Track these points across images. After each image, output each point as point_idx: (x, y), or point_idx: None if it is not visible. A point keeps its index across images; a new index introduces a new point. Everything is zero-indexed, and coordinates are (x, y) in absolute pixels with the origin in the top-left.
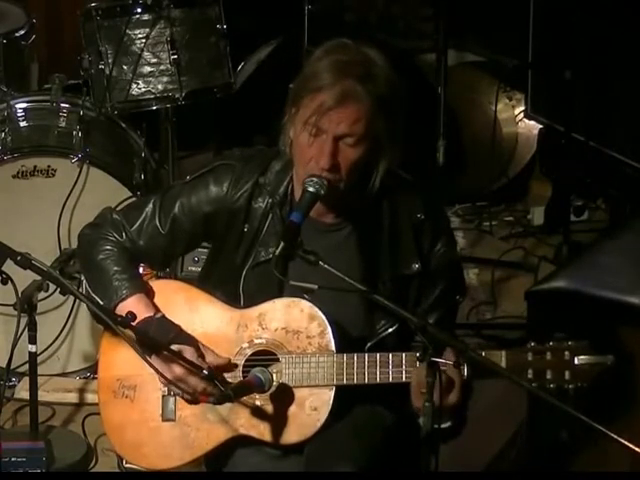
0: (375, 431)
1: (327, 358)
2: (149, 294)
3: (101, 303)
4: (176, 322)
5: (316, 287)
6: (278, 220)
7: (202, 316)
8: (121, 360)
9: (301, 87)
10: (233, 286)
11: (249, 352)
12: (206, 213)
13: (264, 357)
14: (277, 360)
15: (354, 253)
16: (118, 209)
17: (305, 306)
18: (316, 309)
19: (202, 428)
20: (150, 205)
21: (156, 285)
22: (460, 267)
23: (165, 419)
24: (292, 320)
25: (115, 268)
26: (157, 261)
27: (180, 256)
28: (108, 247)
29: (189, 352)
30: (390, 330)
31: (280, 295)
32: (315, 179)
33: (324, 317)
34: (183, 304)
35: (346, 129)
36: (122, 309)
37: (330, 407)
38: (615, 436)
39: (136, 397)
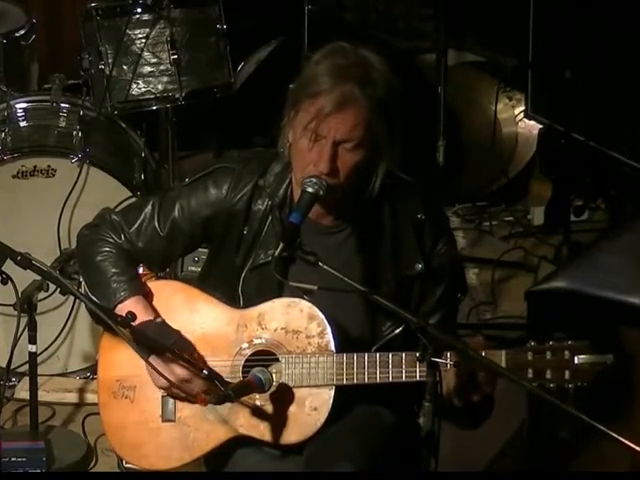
0: (375, 431)
1: (327, 358)
2: (148, 296)
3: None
4: (176, 322)
5: (316, 288)
6: (277, 222)
7: (202, 317)
8: (120, 361)
9: (300, 91)
10: (232, 287)
11: (249, 352)
12: (205, 216)
13: (264, 357)
14: (277, 360)
15: (353, 255)
16: (117, 210)
17: (305, 306)
18: (315, 309)
19: (202, 428)
20: (149, 207)
21: (155, 286)
22: (461, 265)
23: (165, 420)
24: (292, 320)
25: (113, 270)
26: (156, 262)
27: (179, 258)
28: (106, 248)
29: (188, 355)
30: (397, 332)
31: (279, 297)
32: (314, 179)
33: (323, 317)
34: (183, 305)
35: (345, 134)
36: (120, 311)
37: (330, 407)
38: (615, 435)
39: (136, 398)
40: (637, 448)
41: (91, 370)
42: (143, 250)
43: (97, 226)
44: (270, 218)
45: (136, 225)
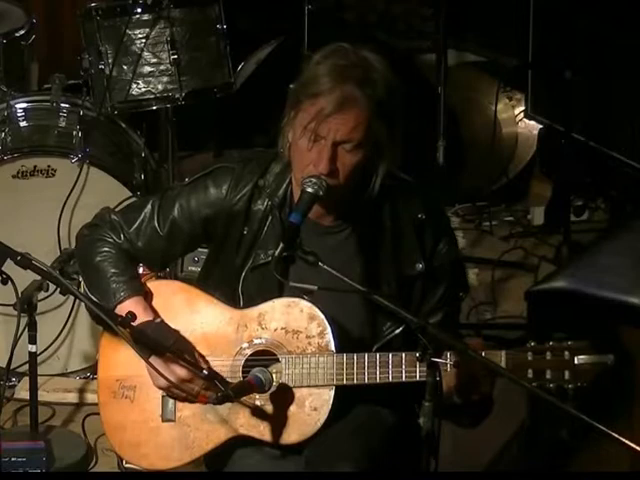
0: (375, 431)
1: (327, 358)
2: (148, 296)
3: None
4: (176, 322)
5: (316, 288)
6: (277, 222)
7: (202, 316)
8: (120, 361)
9: (300, 91)
10: (232, 287)
11: (249, 352)
12: (205, 216)
13: (264, 357)
14: (277, 360)
15: (354, 255)
16: (117, 210)
17: (305, 306)
18: (316, 309)
19: (202, 428)
20: (149, 206)
21: (155, 286)
22: (462, 265)
23: (165, 419)
24: (292, 320)
25: (113, 270)
26: (155, 262)
27: (179, 257)
28: (106, 249)
29: (188, 355)
30: (397, 332)
31: (280, 297)
32: (314, 179)
33: (324, 317)
34: (183, 305)
35: (345, 135)
36: (120, 311)
37: (330, 407)
38: (615, 435)
39: (136, 397)
40: (637, 448)
41: (91, 370)
42: (143, 250)
43: (97, 226)
44: (270, 218)
45: (136, 225)
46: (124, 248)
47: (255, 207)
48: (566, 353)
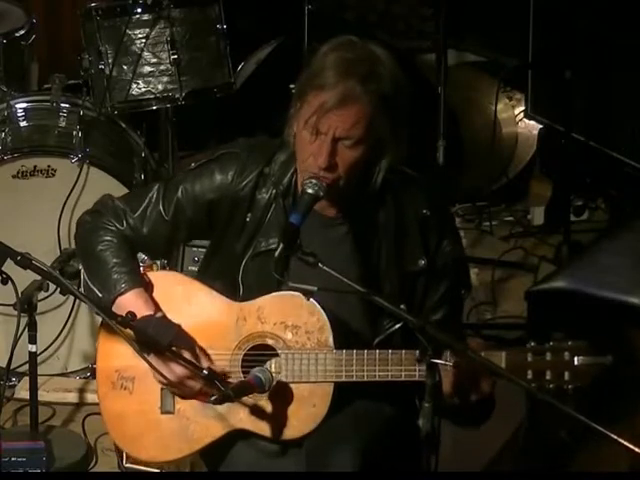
0: (375, 423)
1: (326, 354)
2: (148, 288)
3: (100, 295)
4: (175, 315)
5: (315, 289)
6: (281, 211)
7: (201, 309)
8: (120, 351)
9: (305, 83)
10: (232, 276)
11: (247, 346)
12: (210, 200)
13: (263, 352)
14: (276, 355)
15: (356, 248)
16: (119, 197)
17: (305, 301)
18: (316, 304)
19: (201, 421)
20: (154, 191)
21: (155, 277)
22: (465, 263)
23: (164, 411)
24: (291, 315)
25: (115, 260)
26: (158, 250)
27: (181, 244)
28: (108, 237)
29: (188, 354)
30: (397, 326)
31: (279, 286)
32: (314, 181)
33: (323, 312)
34: (182, 297)
35: (344, 132)
36: (121, 303)
37: (329, 402)
38: (614, 437)
39: (135, 389)
40: (636, 450)
41: (91, 370)
42: (146, 236)
43: (98, 213)
44: (274, 206)
45: (140, 210)
46: (126, 235)
47: (260, 195)
48: (566, 354)
